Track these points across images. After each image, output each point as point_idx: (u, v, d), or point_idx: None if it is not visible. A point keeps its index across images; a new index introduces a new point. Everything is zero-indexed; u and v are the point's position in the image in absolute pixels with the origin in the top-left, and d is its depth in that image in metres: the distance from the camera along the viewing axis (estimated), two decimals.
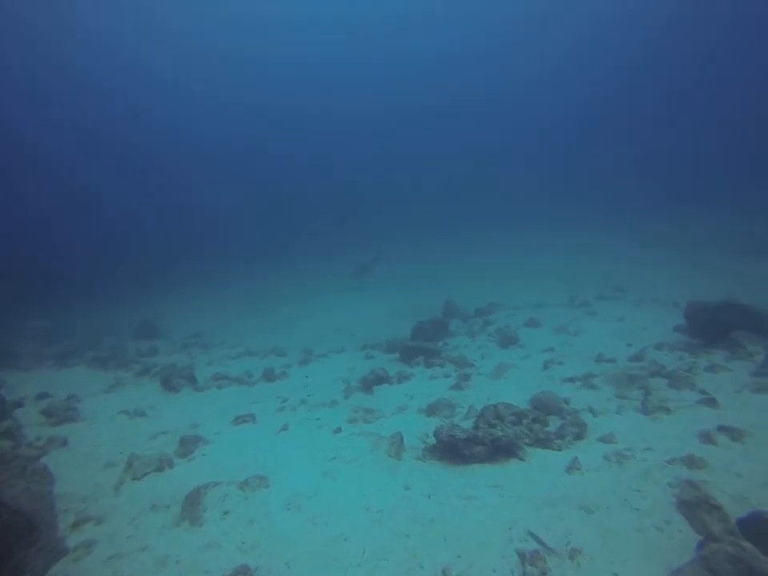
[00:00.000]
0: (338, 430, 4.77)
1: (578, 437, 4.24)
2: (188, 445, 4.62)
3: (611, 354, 7.07)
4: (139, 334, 14.78)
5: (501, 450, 3.89)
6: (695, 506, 2.87)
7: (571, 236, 22.77)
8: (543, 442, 4.13)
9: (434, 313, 11.04)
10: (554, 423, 4.62)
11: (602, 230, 23.01)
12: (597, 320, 9.81)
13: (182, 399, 6.87)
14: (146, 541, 3.06)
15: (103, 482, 3.96)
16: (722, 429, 3.98)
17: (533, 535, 2.83)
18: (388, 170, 49.82)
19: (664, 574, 2.47)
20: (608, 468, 3.62)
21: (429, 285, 17.50)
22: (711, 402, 4.65)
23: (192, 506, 3.35)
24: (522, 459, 3.88)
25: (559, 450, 4.06)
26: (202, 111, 50.74)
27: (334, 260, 25.12)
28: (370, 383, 6.86)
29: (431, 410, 5.24)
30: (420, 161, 49.54)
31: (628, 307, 10.64)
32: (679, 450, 3.77)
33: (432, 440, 4.20)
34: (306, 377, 8.03)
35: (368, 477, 3.71)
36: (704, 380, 5.48)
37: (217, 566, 2.77)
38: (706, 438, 3.87)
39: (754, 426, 4.01)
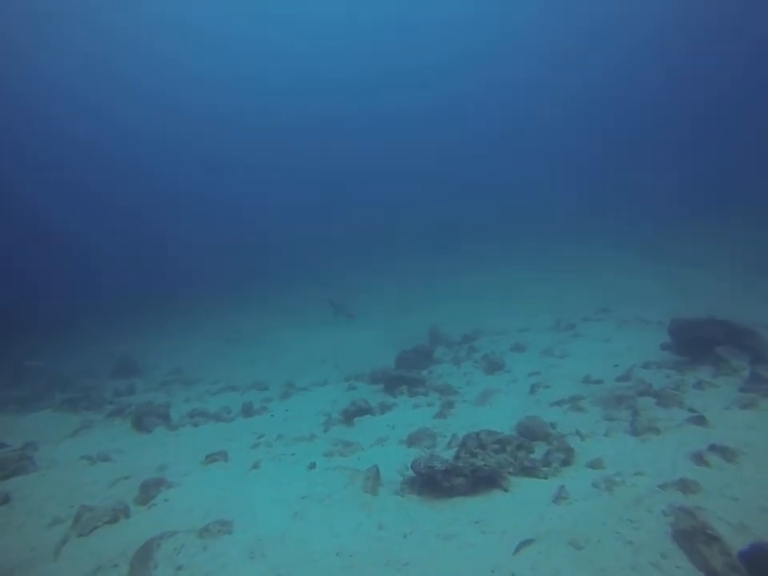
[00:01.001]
0: (313, 466, 4.46)
1: (565, 463, 4.00)
2: (149, 490, 4.26)
3: (598, 376, 6.91)
4: (117, 373, 14.27)
5: (483, 481, 3.62)
6: (692, 536, 2.63)
7: (570, 248, 22.75)
8: (528, 471, 3.87)
9: (419, 340, 10.79)
10: (540, 449, 4.37)
11: (603, 243, 22.89)
12: (583, 342, 9.69)
13: (153, 440, 6.48)
14: None
15: (43, 543, 3.55)
16: (713, 449, 3.77)
17: None
18: (363, 185, 50.28)
19: None
20: (597, 496, 3.37)
21: (413, 311, 17.33)
22: (701, 420, 4.46)
23: (141, 564, 3.01)
24: (505, 490, 3.61)
25: (545, 478, 3.80)
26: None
27: (310, 287, 24.86)
28: (350, 415, 6.56)
29: (412, 441, 4.96)
30: (399, 174, 50.09)
31: (613, 328, 10.55)
32: (671, 473, 3.54)
33: (411, 473, 3.92)
34: (286, 411, 7.70)
35: (340, 516, 3.40)
36: (692, 397, 5.32)
37: None
38: (698, 459, 3.66)
39: (746, 445, 3.81)
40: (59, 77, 43.66)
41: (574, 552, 2.79)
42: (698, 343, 6.94)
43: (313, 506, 3.61)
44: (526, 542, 2.90)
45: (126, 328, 22.92)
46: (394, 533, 3.12)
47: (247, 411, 7.64)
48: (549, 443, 4.53)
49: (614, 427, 4.80)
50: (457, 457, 3.98)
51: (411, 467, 3.75)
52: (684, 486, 3.22)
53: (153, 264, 37.74)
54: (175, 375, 13.17)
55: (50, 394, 11.10)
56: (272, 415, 7.56)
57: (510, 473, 3.84)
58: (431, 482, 3.62)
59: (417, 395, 7.40)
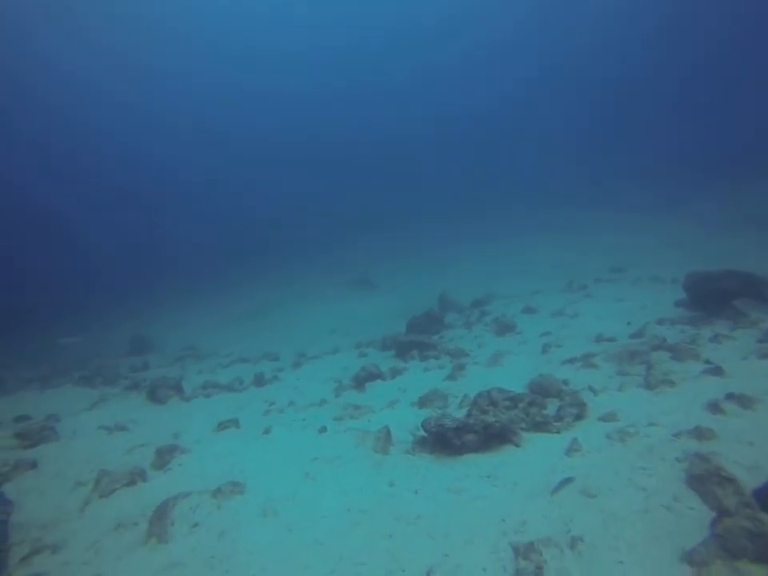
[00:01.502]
0: (323, 429, 4.49)
1: (578, 417, 3.95)
2: (164, 456, 4.33)
3: (611, 334, 6.80)
4: (132, 350, 14.51)
5: (494, 437, 3.60)
6: (706, 479, 2.58)
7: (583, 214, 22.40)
8: (540, 426, 3.84)
9: (430, 307, 10.72)
10: (552, 406, 4.33)
11: (616, 207, 22.45)
12: (595, 302, 9.53)
13: (167, 410, 6.58)
14: (101, 567, 2.76)
15: (68, 504, 3.66)
16: (730, 397, 3.69)
17: None
18: (376, 156, 49.45)
19: (676, 558, 2.18)
20: (610, 447, 3.33)
21: (424, 278, 17.24)
22: (717, 370, 4.36)
23: (159, 521, 3.07)
24: (517, 445, 3.59)
25: (558, 432, 3.77)
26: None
27: (321, 259, 24.86)
28: (361, 380, 6.58)
29: (423, 402, 4.95)
30: (417, 148, 49.08)
31: (626, 287, 10.37)
32: (686, 422, 3.48)
33: (422, 432, 3.91)
34: (297, 379, 7.76)
35: (351, 475, 3.42)
36: (708, 350, 5.19)
37: None
38: (714, 407, 3.58)
39: (764, 392, 3.72)
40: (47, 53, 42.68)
41: (586, 500, 2.76)
42: (714, 297, 6.77)
43: (323, 466, 3.63)
44: (566, 481, 2.88)
45: (137, 308, 23.21)
46: (404, 489, 3.13)
47: (259, 381, 7.71)
48: (561, 399, 4.49)
49: (628, 382, 4.73)
50: (468, 415, 3.95)
51: (422, 426, 3.74)
52: (699, 433, 3.16)
53: (160, 243, 37.91)
54: (188, 351, 13.33)
55: (69, 372, 11.34)
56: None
57: (522, 428, 3.81)
58: (442, 440, 3.61)
59: (428, 359, 7.38)
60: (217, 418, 5.61)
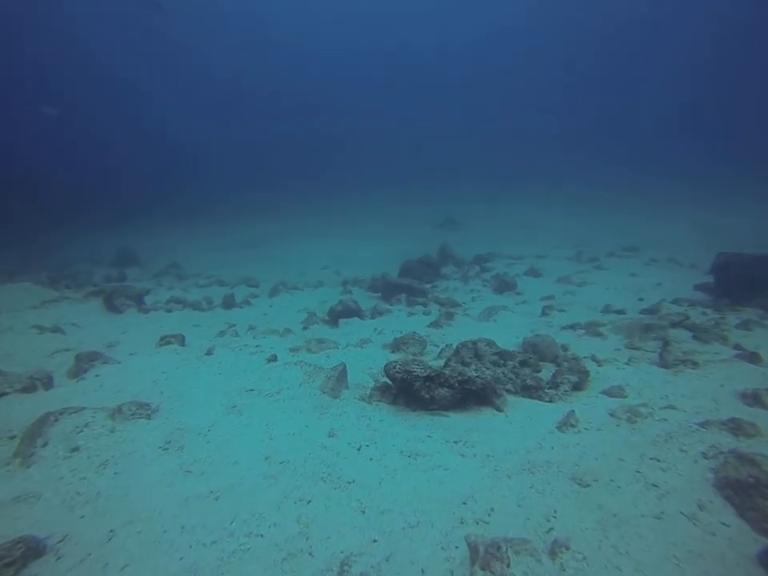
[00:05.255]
0: (273, 359, 3.78)
1: (577, 387, 3.23)
2: (82, 363, 3.65)
3: (620, 306, 6.05)
4: (117, 262, 13.87)
5: (472, 395, 2.88)
6: (751, 489, 1.87)
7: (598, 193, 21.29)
8: (531, 390, 3.12)
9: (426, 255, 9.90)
10: (547, 371, 3.62)
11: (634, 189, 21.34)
12: (605, 274, 8.75)
13: (117, 319, 5.90)
14: None
15: None
16: None
17: None
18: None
19: None
20: (615, 427, 2.62)
21: (434, 229, 16.35)
22: (753, 357, 3.61)
23: (29, 440, 2.39)
24: (499, 409, 2.88)
25: (551, 401, 3.05)
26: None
27: (335, 199, 23.82)
28: (336, 315, 5.86)
29: (397, 345, 4.22)
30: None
31: (640, 265, 9.54)
32: (714, 411, 2.76)
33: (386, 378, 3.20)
34: (270, 306, 7.07)
35: (284, 415, 2.73)
36: (737, 335, 4.43)
37: (12, 529, 1.82)
38: (753, 398, 2.85)
39: None
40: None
41: (577, 489, 2.08)
42: (745, 283, 5.99)
43: (256, 400, 2.93)
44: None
45: (139, 223, 22.38)
46: (345, 443, 2.43)
47: (228, 303, 7.01)
48: (558, 365, 3.77)
49: (638, 356, 4.00)
50: (446, 365, 3.24)
51: (384, 369, 3.01)
52: (737, 426, 2.43)
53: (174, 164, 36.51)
54: (172, 269, 12.63)
55: (38, 270, 10.66)
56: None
57: (508, 390, 3.10)
58: (408, 390, 2.89)
59: (415, 305, 6.65)
60: (165, 332, 4.92)
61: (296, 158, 37.76)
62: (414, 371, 2.85)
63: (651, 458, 2.28)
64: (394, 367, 2.90)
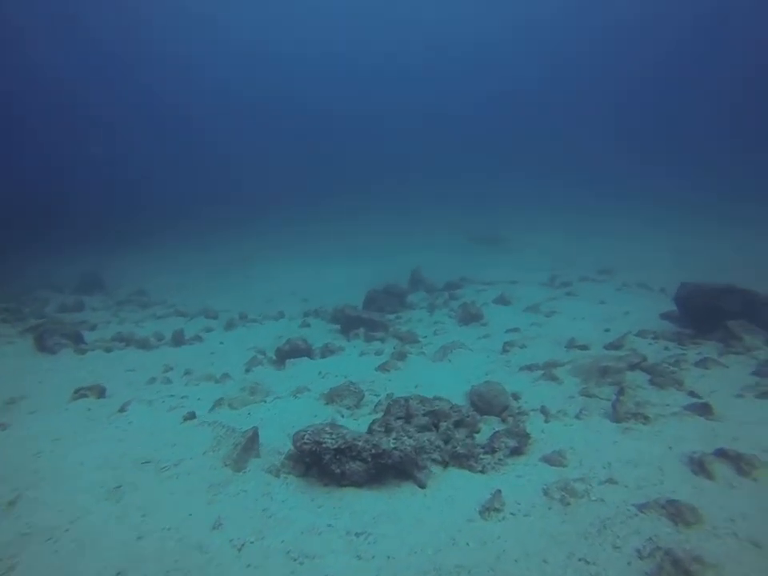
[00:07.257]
0: (190, 416, 3.41)
1: (516, 452, 2.92)
2: None
3: (585, 340, 5.86)
4: (80, 289, 13.20)
5: (390, 470, 2.55)
6: None
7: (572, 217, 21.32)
8: (461, 459, 2.80)
9: (391, 283, 9.60)
10: (488, 427, 3.31)
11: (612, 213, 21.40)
12: (575, 301, 8.55)
13: (45, 363, 5.46)
14: None
15: None
16: (721, 454, 2.68)
17: None
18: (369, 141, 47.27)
19: None
20: (545, 511, 2.30)
21: (407, 253, 16.06)
22: (704, 408, 3.36)
23: None
24: (421, 485, 2.55)
25: (482, 471, 2.73)
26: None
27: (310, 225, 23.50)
28: (284, 355, 5.52)
29: (331, 397, 3.88)
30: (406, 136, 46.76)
31: (611, 291, 9.39)
32: (657, 484, 2.47)
33: None
34: (221, 343, 6.69)
35: (172, 499, 2.36)
36: (694, 377, 4.23)
37: None
38: (698, 466, 2.57)
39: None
40: None
41: None
42: (707, 314, 5.83)
43: (147, 477, 2.57)
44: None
45: (108, 245, 21.71)
46: (227, 540, 2.07)
47: (177, 340, 6.61)
48: (503, 420, 3.47)
49: (591, 406, 3.72)
50: (370, 430, 2.91)
51: (293, 440, 2.66)
52: (676, 511, 2.13)
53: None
54: (136, 296, 12.12)
55: None
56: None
57: (434, 459, 2.77)
58: (318, 464, 2.55)
59: (373, 340, 6.35)
60: (90, 379, 4.52)
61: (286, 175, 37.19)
62: (324, 442, 2.52)
63: (579, 559, 1.97)
64: (303, 437, 2.57)
